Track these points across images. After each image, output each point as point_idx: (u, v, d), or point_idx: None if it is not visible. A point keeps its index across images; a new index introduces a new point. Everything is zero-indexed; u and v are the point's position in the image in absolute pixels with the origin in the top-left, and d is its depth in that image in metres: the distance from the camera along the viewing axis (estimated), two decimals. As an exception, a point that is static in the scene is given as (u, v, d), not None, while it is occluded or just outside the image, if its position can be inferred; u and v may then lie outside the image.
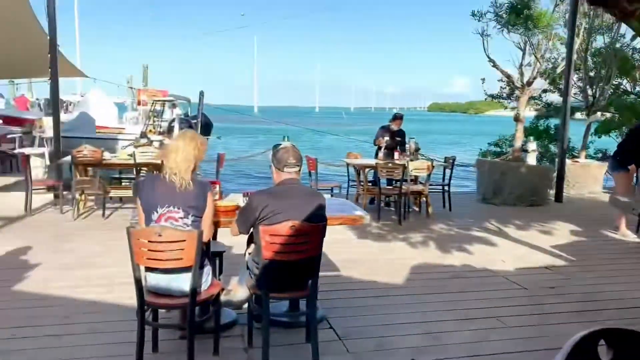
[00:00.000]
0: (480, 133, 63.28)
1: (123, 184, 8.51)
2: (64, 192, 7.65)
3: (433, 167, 7.87)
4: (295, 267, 3.16)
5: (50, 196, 8.32)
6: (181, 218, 3.09)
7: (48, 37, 8.73)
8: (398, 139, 8.76)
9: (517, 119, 9.75)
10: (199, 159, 3.19)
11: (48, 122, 9.06)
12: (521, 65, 9.70)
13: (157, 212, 3.09)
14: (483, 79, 13.85)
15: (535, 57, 9.38)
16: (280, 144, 3.33)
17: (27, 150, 8.32)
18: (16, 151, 9.02)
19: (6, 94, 31.27)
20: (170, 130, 16.59)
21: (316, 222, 3.14)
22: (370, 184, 8.35)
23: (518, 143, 9.93)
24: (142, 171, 8.40)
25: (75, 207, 7.31)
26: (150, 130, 17.64)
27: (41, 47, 10.47)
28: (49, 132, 9.02)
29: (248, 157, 16.95)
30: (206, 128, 18.06)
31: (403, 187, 7.52)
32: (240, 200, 3.88)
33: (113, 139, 15.35)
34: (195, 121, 17.04)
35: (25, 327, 3.75)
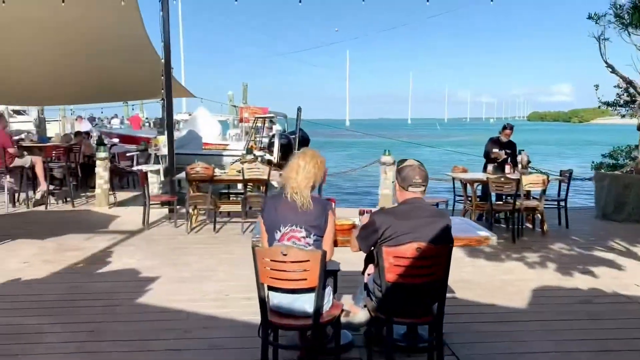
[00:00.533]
0: (587, 143, 59.26)
1: (231, 198, 8.79)
2: (177, 207, 8.04)
3: (549, 181, 7.38)
4: (420, 291, 3.02)
5: (164, 210, 8.79)
6: (303, 237, 3.06)
7: (162, 61, 9.28)
8: (508, 151, 8.33)
9: (641, 128, 8.91)
10: (319, 178, 3.15)
11: (163, 140, 9.61)
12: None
13: (279, 231, 3.08)
14: (597, 86, 12.91)
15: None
16: (405, 161, 3.20)
17: (144, 167, 8.87)
18: (135, 168, 9.67)
19: (120, 114, 33.95)
20: (270, 145, 17.08)
21: (442, 243, 2.98)
22: (478, 199, 7.99)
23: (642, 154, 9.07)
24: (249, 187, 8.66)
25: (189, 221, 7.64)
26: (252, 146, 18.28)
27: (155, 70, 11.21)
28: (164, 150, 9.55)
29: (345, 172, 16.88)
30: (303, 143, 18.41)
31: (517, 202, 7.10)
32: (357, 219, 3.80)
33: (218, 155, 16.04)
34: (293, 136, 17.46)
35: (149, 340, 3.90)
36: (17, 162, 9.22)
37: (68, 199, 9.82)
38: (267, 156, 16.69)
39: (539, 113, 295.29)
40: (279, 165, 11.73)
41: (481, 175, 7.83)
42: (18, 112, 30.41)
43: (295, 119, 17.93)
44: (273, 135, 16.95)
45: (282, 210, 3.08)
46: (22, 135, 13.35)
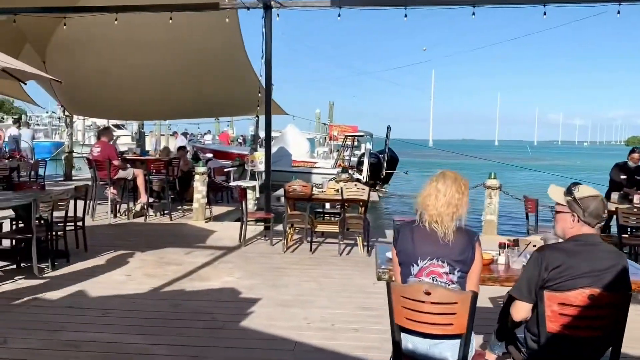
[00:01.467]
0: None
1: (325, 218, 8.52)
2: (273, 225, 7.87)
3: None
4: (587, 345, 2.51)
5: (259, 227, 8.67)
6: (446, 274, 2.64)
7: (260, 78, 9.27)
8: (637, 177, 7.46)
9: None
10: (464, 204, 2.73)
11: (260, 157, 9.56)
12: None
13: (417, 265, 2.69)
14: None
15: None
16: (581, 187, 2.68)
17: (242, 184, 8.83)
18: (232, 184, 9.68)
19: (212, 130, 35.13)
20: (359, 164, 16.80)
21: (620, 290, 2.46)
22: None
23: None
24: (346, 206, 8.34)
25: (285, 240, 7.43)
26: (340, 164, 18.07)
27: (251, 88, 11.31)
28: (260, 167, 9.49)
29: None
30: (392, 162, 17.99)
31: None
32: (495, 252, 3.34)
33: (308, 173, 15.98)
34: (382, 155, 17.07)
35: (258, 370, 3.62)
36: (121, 174, 9.49)
37: (166, 212, 9.98)
38: (356, 175, 16.43)
39: (639, 137, 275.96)
40: (368, 184, 11.41)
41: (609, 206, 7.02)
42: (117, 126, 32.32)
43: (385, 138, 17.57)
44: (363, 154, 16.68)
45: (420, 241, 2.69)
46: (126, 148, 13.92)
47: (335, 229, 7.51)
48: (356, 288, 5.72)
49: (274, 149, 18.43)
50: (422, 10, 8.48)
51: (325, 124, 20.26)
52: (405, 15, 8.32)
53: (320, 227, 7.63)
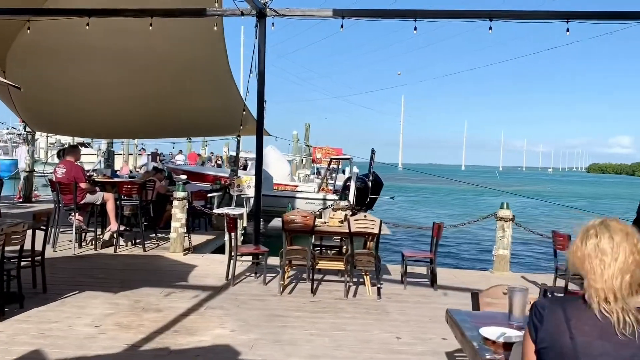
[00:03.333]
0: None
1: (323, 252, 7.52)
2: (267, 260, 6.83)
3: None
4: None
5: (246, 260, 7.61)
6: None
7: (248, 94, 8.34)
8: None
9: None
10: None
11: (248, 181, 8.55)
12: None
13: (578, 366, 1.72)
14: None
15: None
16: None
17: (229, 211, 7.79)
18: (216, 211, 8.62)
19: (184, 150, 33.74)
20: (345, 188, 15.89)
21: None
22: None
23: None
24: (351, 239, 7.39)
25: (282, 279, 6.40)
26: (323, 189, 17.13)
27: (235, 105, 10.36)
28: (248, 192, 8.47)
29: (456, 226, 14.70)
30: (377, 187, 17.13)
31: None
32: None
33: (291, 197, 14.98)
34: (368, 180, 16.20)
35: None
36: (88, 198, 8.34)
37: (138, 241, 8.83)
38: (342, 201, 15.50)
39: (600, 165, 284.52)
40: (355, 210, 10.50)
41: None
42: (83, 145, 30.67)
43: (368, 161, 16.74)
44: (349, 178, 15.79)
45: (583, 332, 1.72)
46: (91, 169, 12.66)
47: (340, 266, 6.55)
48: (378, 345, 4.75)
49: (254, 170, 17.44)
50: (403, 36, 7.71)
51: (309, 146, 19.36)
52: (415, 28, 7.57)
53: (323, 265, 6.64)
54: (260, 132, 7.96)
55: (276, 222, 6.96)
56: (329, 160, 17.27)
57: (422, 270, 7.76)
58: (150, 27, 7.69)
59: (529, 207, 33.34)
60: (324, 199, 14.86)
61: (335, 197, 15.77)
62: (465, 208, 32.42)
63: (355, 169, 15.93)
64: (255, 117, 8.19)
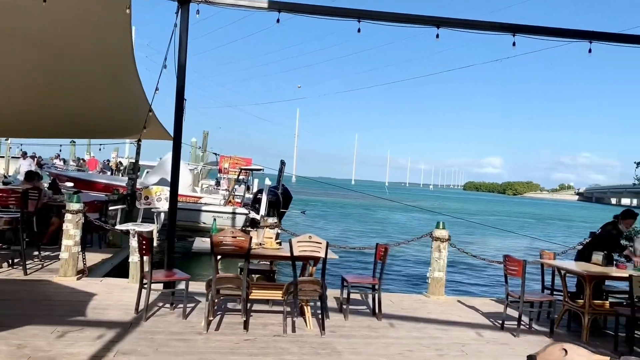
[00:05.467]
0: (540, 217, 60.12)
1: (255, 279, 6.51)
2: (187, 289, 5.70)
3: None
4: None
5: (157, 286, 6.38)
6: None
7: (145, 98, 7.17)
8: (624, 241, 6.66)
9: None
10: None
11: (159, 192, 7.29)
12: None
13: None
14: (638, 163, 11.87)
15: None
16: None
17: (136, 228, 6.48)
18: (120, 227, 7.21)
19: (66, 154, 30.54)
20: (256, 201, 14.87)
21: None
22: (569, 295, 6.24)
23: None
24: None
25: (209, 313, 5.33)
26: (230, 201, 15.96)
27: (136, 106, 9.07)
28: (159, 205, 7.22)
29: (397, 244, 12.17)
30: (286, 200, 16.31)
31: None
32: None
33: (196, 210, 13.65)
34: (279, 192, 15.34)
35: None
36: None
37: (17, 261, 7.23)
38: (252, 214, 14.46)
39: (474, 183, 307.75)
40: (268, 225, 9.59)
41: (600, 269, 6.05)
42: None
43: (277, 173, 15.89)
44: (260, 191, 14.80)
45: None
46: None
47: (277, 295, 5.60)
48: (345, 400, 3.89)
49: (152, 180, 15.77)
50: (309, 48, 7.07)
51: (216, 154, 18.07)
52: (359, 30, 6.91)
53: (258, 295, 5.64)
54: (178, 135, 6.82)
55: (199, 243, 5.85)
56: (238, 170, 16.14)
57: (355, 295, 7.06)
58: (44, 3, 6.27)
59: (422, 223, 34.45)
60: (234, 213, 13.75)
61: (244, 210, 14.71)
62: (366, 224, 32.69)
63: (268, 181, 14.98)
64: (176, 118, 7.00)
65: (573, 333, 6.15)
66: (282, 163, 16.17)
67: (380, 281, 6.20)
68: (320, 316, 5.55)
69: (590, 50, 6.89)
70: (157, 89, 8.81)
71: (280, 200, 14.56)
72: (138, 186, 10.87)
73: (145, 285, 5.49)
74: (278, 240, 5.90)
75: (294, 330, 5.47)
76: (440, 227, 7.87)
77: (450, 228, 7.98)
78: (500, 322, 6.28)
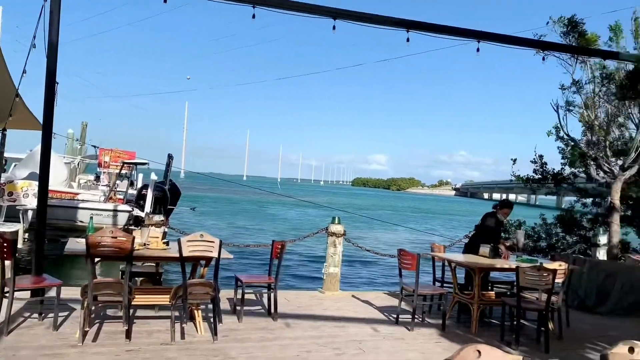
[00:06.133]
0: (422, 211, 63.51)
1: (139, 282, 5.92)
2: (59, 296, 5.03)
3: (572, 271, 6.05)
4: None
5: (22, 295, 5.59)
6: None
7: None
8: (502, 228, 6.96)
9: (612, 208, 8.24)
10: None
11: (25, 187, 6.41)
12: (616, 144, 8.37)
13: None
14: (514, 159, 12.66)
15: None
16: None
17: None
18: (-24, 228, 6.21)
19: None
20: (140, 197, 13.92)
21: None
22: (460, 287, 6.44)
23: (615, 238, 8.37)
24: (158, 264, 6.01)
25: (85, 323, 4.73)
26: (111, 198, 14.84)
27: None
28: (27, 202, 6.36)
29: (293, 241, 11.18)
30: (174, 196, 15.50)
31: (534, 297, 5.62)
32: None
33: (72, 207, 12.46)
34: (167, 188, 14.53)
35: None
36: None
37: None
38: (137, 211, 13.53)
39: (362, 179, 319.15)
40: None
41: (502, 263, 6.26)
42: None
43: (165, 167, 15.04)
44: (144, 186, 13.87)
45: None
46: None
47: (164, 300, 5.12)
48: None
49: (21, 174, 14.17)
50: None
51: (95, 147, 16.64)
52: (254, 16, 6.59)
53: (141, 300, 5.12)
54: (48, 122, 6.03)
55: (73, 244, 5.19)
56: (120, 164, 14.97)
57: (249, 295, 6.75)
58: None
59: (315, 218, 34.82)
60: (115, 210, 12.76)
61: (127, 207, 13.71)
62: (259, 220, 32.35)
63: (154, 176, 14.08)
64: (46, 104, 6.18)
65: (463, 324, 6.32)
66: (170, 157, 15.33)
67: (276, 279, 5.94)
68: (212, 320, 5.16)
69: (478, 50, 7.14)
70: (24, 71, 7.84)
71: (167, 196, 13.78)
72: (2, 180, 9.66)
73: (7, 294, 4.75)
74: (165, 240, 5.41)
75: (183, 337, 5.03)
76: (336, 222, 7.78)
77: (342, 223, 7.91)
78: (395, 316, 6.29)
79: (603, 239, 9.57)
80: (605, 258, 9.08)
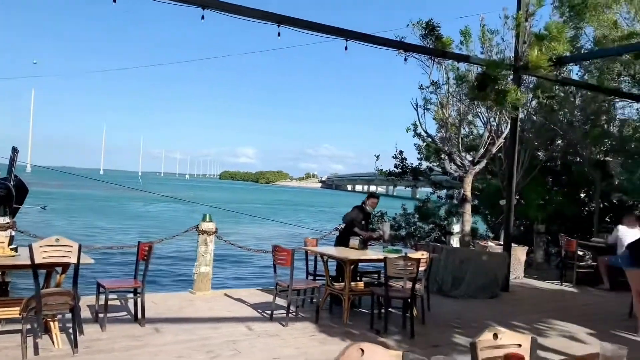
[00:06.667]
0: (291, 203, 64.43)
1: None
2: None
3: (432, 259, 6.48)
4: None
5: None
6: None
7: None
8: (367, 223, 7.25)
9: (464, 199, 8.98)
10: None
11: None
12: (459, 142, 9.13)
13: None
14: (377, 155, 13.33)
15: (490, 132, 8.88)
16: None
17: None
18: None
19: None
20: (-21, 198, 12.31)
21: None
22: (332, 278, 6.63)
23: (467, 227, 9.13)
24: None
25: None
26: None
27: None
28: None
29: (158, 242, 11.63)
30: (21, 194, 13.98)
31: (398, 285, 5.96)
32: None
33: None
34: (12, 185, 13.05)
35: None
36: None
37: None
38: (-25, 213, 11.94)
39: (230, 172, 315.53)
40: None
41: (370, 255, 6.49)
42: None
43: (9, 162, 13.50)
44: (-17, 184, 12.27)
45: None
46: None
47: (13, 313, 4.57)
48: None
49: None
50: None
51: None
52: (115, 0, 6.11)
53: (-15, 314, 4.51)
54: None
55: None
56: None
57: (114, 301, 6.28)
58: None
59: (182, 215, 33.69)
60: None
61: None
62: (120, 219, 30.49)
63: (-5, 172, 12.49)
64: None
65: (335, 315, 6.48)
66: (14, 150, 13.76)
67: (143, 283, 5.59)
68: (72, 331, 4.71)
69: (346, 48, 7.33)
70: None
71: (12, 194, 12.30)
72: None
73: None
74: (13, 246, 4.82)
75: (37, 352, 4.54)
76: (207, 219, 7.55)
77: (212, 219, 7.69)
78: (269, 312, 6.26)
79: (456, 228, 10.44)
80: (458, 245, 9.92)
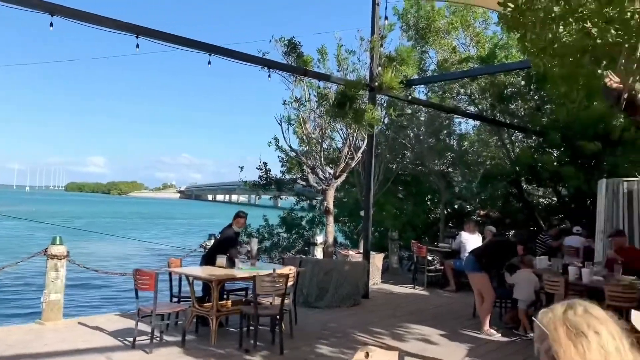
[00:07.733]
0: (147, 216, 61.23)
1: None
2: None
3: (299, 273, 6.61)
4: None
5: None
6: None
7: None
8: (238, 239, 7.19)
9: (327, 211, 9.30)
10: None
11: None
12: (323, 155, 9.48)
13: None
14: (242, 167, 13.31)
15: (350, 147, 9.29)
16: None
17: None
18: None
19: None
20: None
21: None
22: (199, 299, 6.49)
23: (330, 238, 9.44)
24: None
25: None
26: None
27: None
28: None
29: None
30: None
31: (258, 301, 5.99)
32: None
33: None
34: None
35: None
36: None
37: None
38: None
39: (77, 183, 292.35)
40: None
41: (225, 271, 6.37)
42: None
43: None
44: None
45: None
46: None
47: None
48: None
49: None
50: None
51: None
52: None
53: None
54: None
55: None
56: None
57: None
58: None
59: (21, 234, 30.32)
60: None
61: None
62: None
63: None
64: None
65: (202, 337, 6.31)
66: None
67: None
68: None
69: (209, 62, 7.24)
70: None
71: None
72: None
73: None
74: None
75: None
76: (57, 242, 6.93)
77: (58, 235, 7.07)
78: (131, 339, 5.92)
79: (320, 239, 10.79)
80: (321, 256, 10.25)
